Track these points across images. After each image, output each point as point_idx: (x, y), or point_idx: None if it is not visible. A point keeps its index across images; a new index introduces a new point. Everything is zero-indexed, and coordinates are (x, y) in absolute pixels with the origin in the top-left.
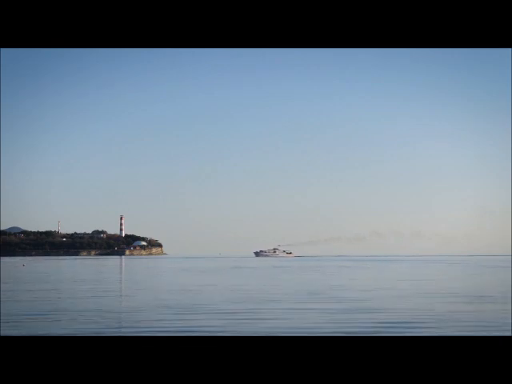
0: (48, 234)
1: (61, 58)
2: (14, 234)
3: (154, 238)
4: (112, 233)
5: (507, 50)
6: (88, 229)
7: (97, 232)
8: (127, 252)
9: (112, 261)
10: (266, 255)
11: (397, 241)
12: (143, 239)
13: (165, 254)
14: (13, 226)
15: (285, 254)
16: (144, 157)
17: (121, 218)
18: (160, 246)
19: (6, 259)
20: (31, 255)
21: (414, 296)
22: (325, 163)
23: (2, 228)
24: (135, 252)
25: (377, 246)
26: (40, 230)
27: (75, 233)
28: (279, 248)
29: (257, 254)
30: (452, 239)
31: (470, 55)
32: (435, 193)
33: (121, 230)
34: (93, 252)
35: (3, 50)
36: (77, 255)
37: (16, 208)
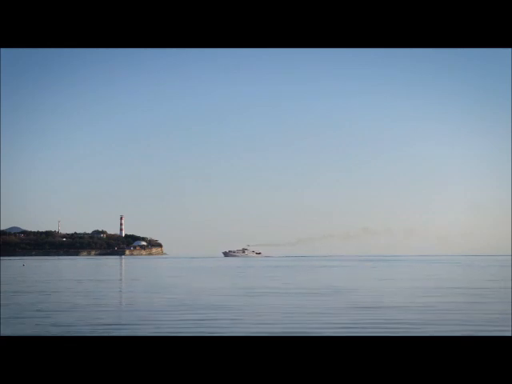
0: (48, 233)
1: (61, 58)
2: (14, 233)
3: (154, 238)
4: (112, 233)
5: (507, 50)
6: (88, 229)
7: (97, 232)
8: (127, 252)
9: (111, 261)
10: (235, 255)
11: (392, 240)
12: (143, 239)
13: (165, 254)
14: (13, 225)
15: (254, 254)
16: (144, 157)
17: (121, 218)
18: (160, 245)
19: (5, 259)
20: (31, 255)
21: None
22: (323, 163)
23: (2, 228)
24: (135, 252)
25: (375, 246)
26: (40, 230)
27: (75, 233)
28: (248, 248)
29: (225, 254)
30: (448, 239)
31: (470, 55)
32: (434, 193)
33: (121, 230)
34: (93, 252)
35: (3, 50)
36: (77, 255)
37: (16, 208)
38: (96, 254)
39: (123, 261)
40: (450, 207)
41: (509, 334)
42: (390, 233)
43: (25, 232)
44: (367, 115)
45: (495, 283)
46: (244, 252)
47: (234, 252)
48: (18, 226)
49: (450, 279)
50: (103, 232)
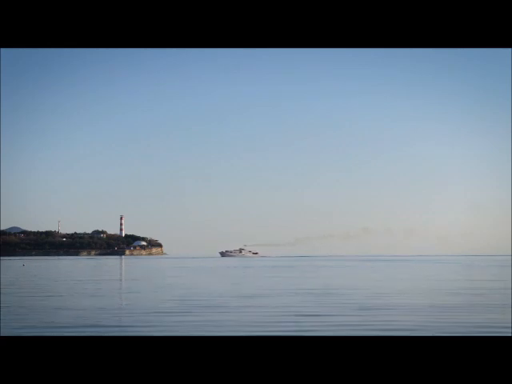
0: (48, 233)
1: (61, 58)
2: (14, 233)
3: (154, 238)
4: (112, 233)
5: (507, 50)
6: (88, 229)
7: (97, 232)
8: (127, 252)
9: (111, 261)
10: (232, 255)
11: (392, 240)
12: (143, 239)
13: (165, 254)
14: (13, 225)
15: (251, 254)
16: (144, 157)
17: (121, 218)
18: (160, 245)
19: (5, 259)
20: (31, 255)
21: None
22: (323, 163)
23: (2, 228)
24: (135, 252)
25: (375, 246)
26: (40, 230)
27: (75, 233)
28: (245, 248)
29: (222, 254)
30: (448, 239)
31: (470, 55)
32: (434, 193)
33: (121, 230)
34: (93, 252)
35: (3, 50)
36: (77, 255)
37: (16, 208)
38: (96, 254)
39: (123, 261)
40: (450, 207)
41: (509, 334)
42: (390, 233)
43: (25, 232)
44: (367, 115)
45: (496, 283)
46: (241, 252)
47: (231, 252)
48: (18, 225)
49: (453, 279)
50: (103, 232)
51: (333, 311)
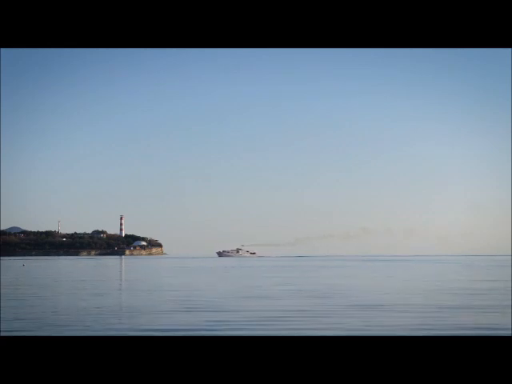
0: (48, 233)
1: (61, 58)
2: (14, 233)
3: (154, 238)
4: (112, 233)
5: (507, 50)
6: (88, 229)
7: (97, 232)
8: (127, 252)
9: (111, 261)
10: (229, 255)
11: (392, 240)
12: (143, 239)
13: (165, 254)
14: (13, 225)
15: (248, 254)
16: (144, 157)
17: (121, 218)
18: (160, 245)
19: (5, 259)
20: (31, 255)
21: None
22: (323, 163)
23: (2, 228)
24: (135, 252)
25: (375, 246)
26: (40, 230)
27: (75, 233)
28: (243, 248)
29: (219, 254)
30: (448, 239)
31: (470, 55)
32: (434, 193)
33: (121, 229)
34: (93, 252)
35: (3, 50)
36: (77, 255)
37: (16, 208)
38: (96, 254)
39: (123, 261)
40: (450, 207)
41: (509, 333)
42: (390, 233)
43: (25, 232)
44: (367, 115)
45: (496, 283)
46: (238, 252)
47: (228, 252)
48: (18, 225)
49: (453, 279)
50: (103, 232)
51: (333, 311)
